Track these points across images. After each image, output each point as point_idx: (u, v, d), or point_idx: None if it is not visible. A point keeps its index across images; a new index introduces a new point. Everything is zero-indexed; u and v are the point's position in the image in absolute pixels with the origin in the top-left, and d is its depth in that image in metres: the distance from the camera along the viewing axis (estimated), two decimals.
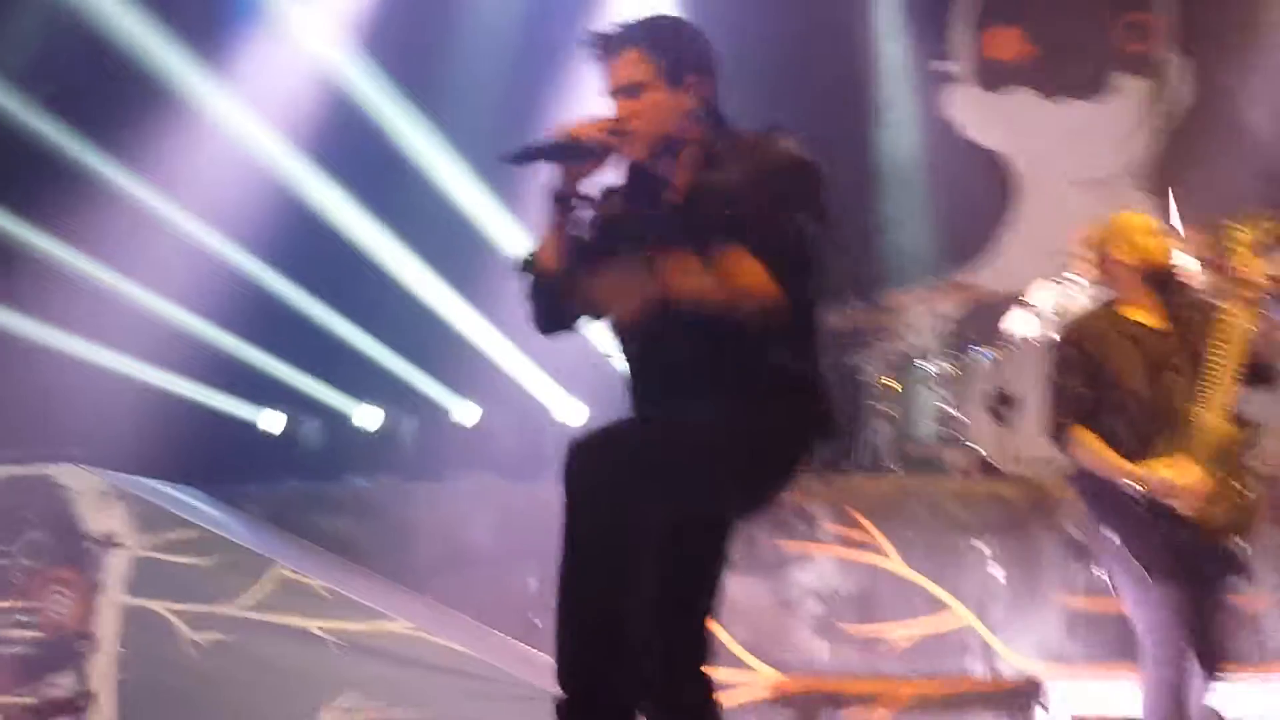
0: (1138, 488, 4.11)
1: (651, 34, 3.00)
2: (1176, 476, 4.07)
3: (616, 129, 2.94)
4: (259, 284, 8.42)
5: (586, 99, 3.13)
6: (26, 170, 7.75)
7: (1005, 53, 9.27)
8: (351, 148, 8.50)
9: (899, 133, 9.08)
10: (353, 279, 8.53)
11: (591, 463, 2.63)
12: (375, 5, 8.78)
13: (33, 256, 7.66)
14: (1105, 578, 4.43)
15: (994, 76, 9.29)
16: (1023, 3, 9.23)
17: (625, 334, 3.04)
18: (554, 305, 3.05)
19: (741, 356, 2.85)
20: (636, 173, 3.06)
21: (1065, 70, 9.06)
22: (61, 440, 6.78)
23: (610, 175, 3.07)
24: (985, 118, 9.24)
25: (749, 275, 2.77)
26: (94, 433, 7.02)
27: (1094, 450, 4.25)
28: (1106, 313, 4.45)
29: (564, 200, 2.98)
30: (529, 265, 3.05)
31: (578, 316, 3.09)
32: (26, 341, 7.47)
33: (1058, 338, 4.62)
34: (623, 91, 2.97)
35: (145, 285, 7.95)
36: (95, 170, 7.91)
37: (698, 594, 3.00)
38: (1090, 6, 9.07)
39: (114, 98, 8.09)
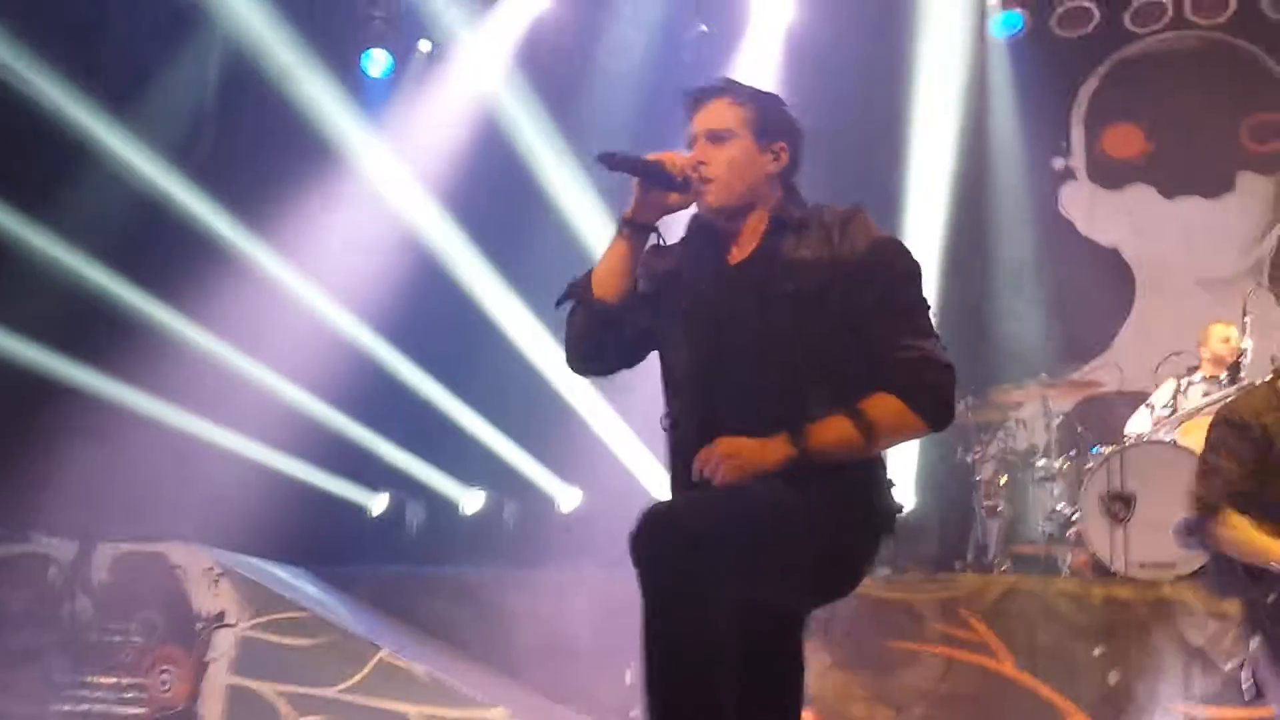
0: None
1: (746, 90, 3.00)
2: None
3: (702, 173, 2.90)
4: (371, 360, 8.51)
5: None
6: (151, 241, 7.97)
7: (1125, 150, 9.15)
8: (482, 217, 8.65)
9: (1017, 229, 8.98)
10: (465, 354, 8.57)
11: (663, 541, 2.53)
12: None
13: (151, 330, 7.81)
14: (1248, 679, 4.20)
15: (1113, 174, 9.17)
16: (1144, 100, 9.11)
17: (685, 398, 2.91)
18: (601, 339, 2.97)
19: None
20: (702, 227, 3.00)
21: (1187, 168, 8.91)
22: (175, 518, 6.93)
23: (674, 232, 3.01)
24: (1104, 215, 9.11)
25: (902, 427, 2.78)
26: (206, 511, 7.14)
27: (1243, 531, 4.02)
28: (1270, 390, 4.25)
29: (635, 226, 2.93)
30: (578, 289, 2.98)
31: (622, 359, 3.02)
32: (143, 418, 7.61)
33: (1218, 416, 4.42)
34: (709, 136, 2.93)
35: (259, 359, 8.08)
36: (221, 241, 8.09)
37: (775, 693, 2.89)
38: (1216, 105, 8.92)
39: (249, 167, 8.36)
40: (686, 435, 2.86)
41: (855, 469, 2.82)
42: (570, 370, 3.08)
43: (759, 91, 3.01)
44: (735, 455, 2.70)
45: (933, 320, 2.86)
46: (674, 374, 2.96)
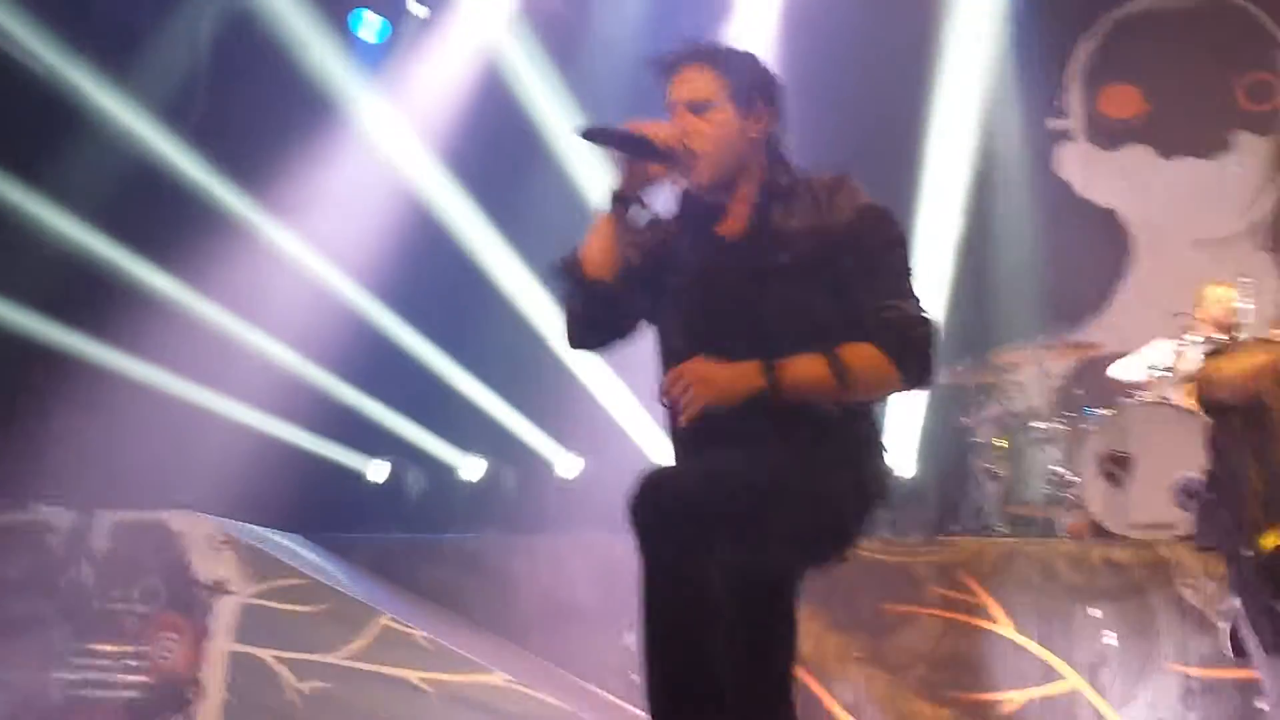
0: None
1: (724, 54, 2.92)
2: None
3: (687, 143, 2.83)
4: (370, 325, 8.48)
5: None
6: (147, 206, 7.93)
7: (1122, 111, 9.13)
8: (483, 175, 8.62)
9: (1012, 190, 8.96)
10: (465, 318, 8.57)
11: (659, 509, 2.53)
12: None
13: (148, 297, 7.77)
14: (1227, 637, 4.23)
15: (1111, 134, 9.15)
16: (1141, 61, 9.08)
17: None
18: (599, 318, 2.95)
19: (791, 410, 2.74)
20: (691, 201, 2.95)
21: (1184, 129, 8.90)
22: (175, 487, 6.94)
23: (663, 204, 2.96)
24: (1101, 176, 9.09)
25: (878, 376, 2.74)
26: (206, 479, 7.15)
27: None
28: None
29: (624, 200, 2.87)
30: (570, 268, 2.92)
31: (620, 336, 2.98)
32: (141, 385, 7.60)
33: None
34: (690, 107, 2.86)
35: (256, 325, 8.06)
36: (217, 205, 8.05)
37: (768, 656, 2.89)
38: (1211, 65, 8.90)
39: (244, 129, 8.32)
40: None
41: (850, 434, 2.82)
42: (570, 347, 3.04)
43: (734, 52, 2.94)
44: (706, 381, 2.68)
45: (916, 286, 2.82)
46: (668, 348, 2.94)
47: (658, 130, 2.82)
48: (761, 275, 2.78)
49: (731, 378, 2.70)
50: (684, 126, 2.85)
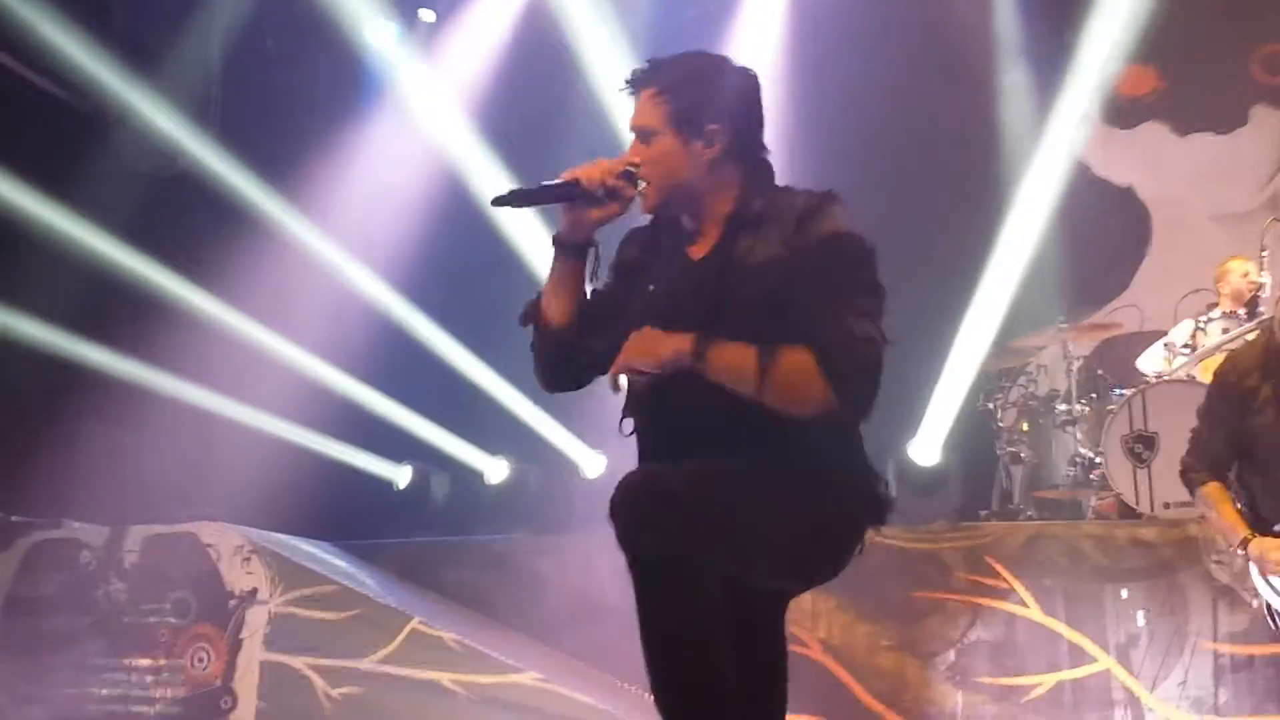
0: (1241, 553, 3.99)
1: (670, 75, 2.81)
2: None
3: (633, 174, 2.77)
4: (395, 327, 8.48)
5: None
6: (169, 215, 7.97)
7: (1138, 89, 9.08)
8: (516, 168, 8.49)
9: (1029, 172, 8.93)
10: (491, 315, 8.51)
11: (639, 507, 2.48)
12: None
13: (172, 308, 7.80)
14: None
15: (1127, 113, 9.10)
16: (1155, 39, 9.02)
17: (640, 394, 2.79)
18: (559, 361, 2.89)
19: (763, 428, 2.63)
20: (657, 222, 2.87)
21: (1201, 105, 8.84)
22: (203, 498, 6.99)
23: (636, 219, 2.89)
24: (1118, 155, 9.05)
25: (803, 382, 2.58)
26: (233, 490, 7.19)
27: (1216, 508, 4.13)
28: (1262, 349, 4.28)
29: (564, 246, 2.82)
30: (529, 316, 2.89)
31: (589, 374, 2.90)
32: (168, 399, 7.63)
33: (1216, 372, 4.45)
34: (638, 134, 2.81)
35: (280, 332, 8.07)
36: (240, 209, 8.06)
37: (761, 675, 2.81)
38: (1225, 40, 8.84)
39: (273, 131, 8.36)
40: (643, 433, 2.80)
41: (834, 462, 2.71)
42: (543, 390, 2.98)
43: (681, 71, 2.82)
44: (642, 337, 2.66)
45: (874, 307, 2.66)
46: None
47: (589, 172, 2.76)
48: (718, 307, 2.68)
49: (663, 340, 2.64)
50: (632, 155, 2.80)
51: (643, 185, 2.79)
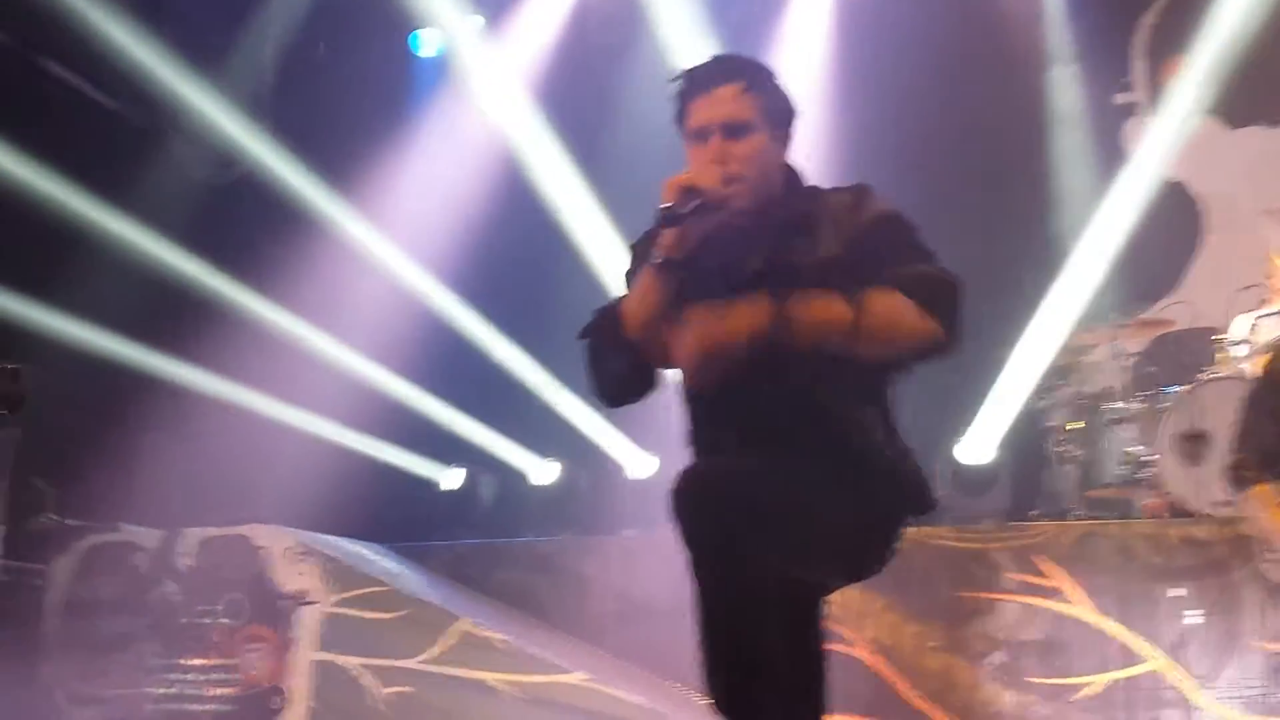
0: None
1: (755, 72, 2.78)
2: None
3: (730, 176, 2.67)
4: (446, 327, 8.50)
5: None
6: (222, 218, 8.08)
7: None
8: (579, 154, 8.56)
9: (1081, 166, 8.86)
10: (540, 318, 8.41)
11: (702, 497, 2.52)
12: None
13: (227, 313, 7.89)
14: None
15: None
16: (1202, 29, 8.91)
17: (698, 392, 2.77)
18: (637, 376, 2.81)
19: (821, 419, 2.67)
20: (720, 232, 2.71)
21: (1250, 97, 8.72)
22: (255, 501, 7.06)
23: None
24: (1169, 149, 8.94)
25: (903, 316, 2.55)
26: (284, 493, 7.26)
27: (1265, 511, 4.07)
28: None
29: (674, 266, 2.67)
30: (608, 324, 2.77)
31: (657, 378, 2.83)
32: (221, 403, 7.73)
33: (1267, 369, 4.39)
34: (726, 130, 2.69)
35: (334, 335, 8.12)
36: (297, 207, 8.13)
37: (802, 670, 2.81)
38: (1275, 27, 8.71)
39: (327, 131, 8.42)
40: (699, 427, 2.83)
41: (887, 454, 2.74)
42: (605, 405, 2.93)
43: (762, 69, 2.81)
44: (708, 320, 2.59)
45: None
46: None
47: (701, 179, 2.65)
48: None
49: (732, 313, 2.58)
50: (714, 155, 2.70)
51: (739, 184, 2.67)
